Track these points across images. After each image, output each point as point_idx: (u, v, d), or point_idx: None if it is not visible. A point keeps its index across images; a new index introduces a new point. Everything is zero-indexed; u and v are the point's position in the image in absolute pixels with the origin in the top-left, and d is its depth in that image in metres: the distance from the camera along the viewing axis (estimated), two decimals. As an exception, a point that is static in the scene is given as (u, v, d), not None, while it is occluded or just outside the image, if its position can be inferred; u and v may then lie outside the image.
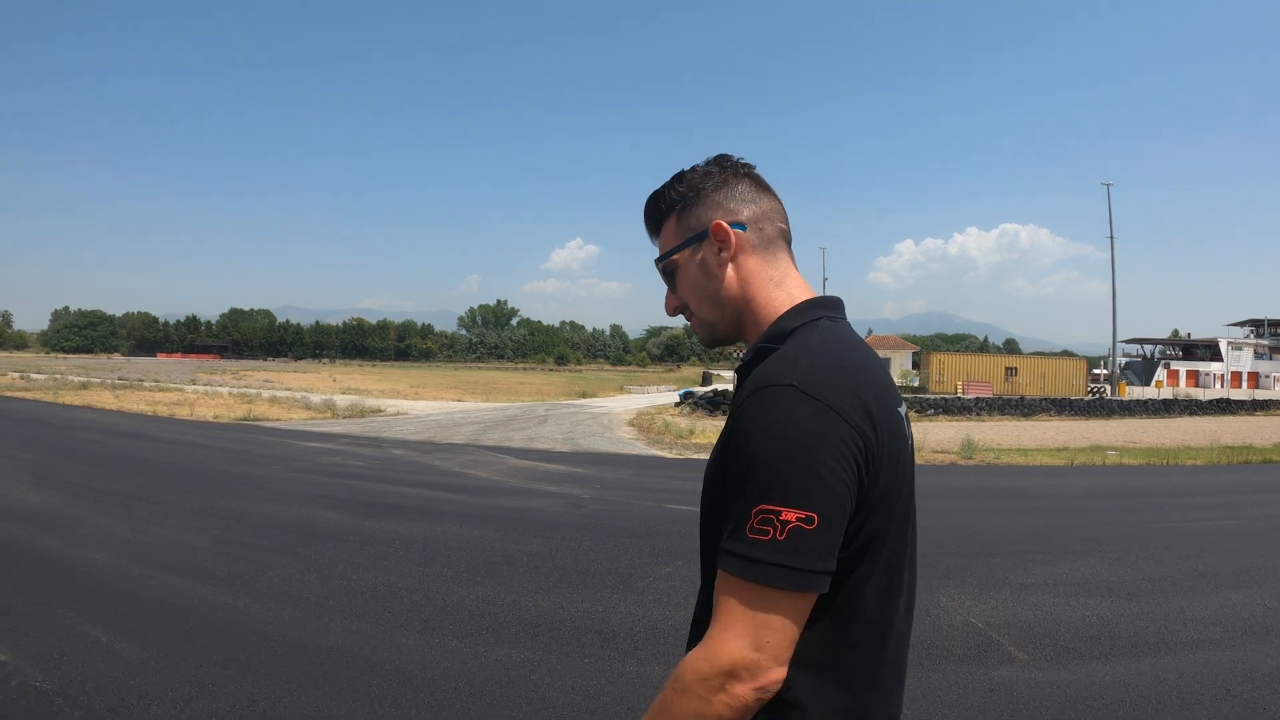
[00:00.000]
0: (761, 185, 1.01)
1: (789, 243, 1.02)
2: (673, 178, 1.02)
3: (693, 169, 1.01)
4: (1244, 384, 43.47)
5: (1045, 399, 29.80)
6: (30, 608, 3.82)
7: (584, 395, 32.69)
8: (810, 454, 0.78)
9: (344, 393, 26.83)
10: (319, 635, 3.51)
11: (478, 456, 10.66)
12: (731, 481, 0.83)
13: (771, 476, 0.78)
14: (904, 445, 0.89)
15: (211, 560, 4.76)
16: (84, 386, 25.06)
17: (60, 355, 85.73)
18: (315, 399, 21.72)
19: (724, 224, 0.96)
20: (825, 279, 53.25)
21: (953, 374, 39.95)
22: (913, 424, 19.81)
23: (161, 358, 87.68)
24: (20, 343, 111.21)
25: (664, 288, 1.07)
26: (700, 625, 0.93)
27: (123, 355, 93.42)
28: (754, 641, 0.78)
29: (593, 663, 3.31)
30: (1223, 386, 42.04)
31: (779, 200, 1.03)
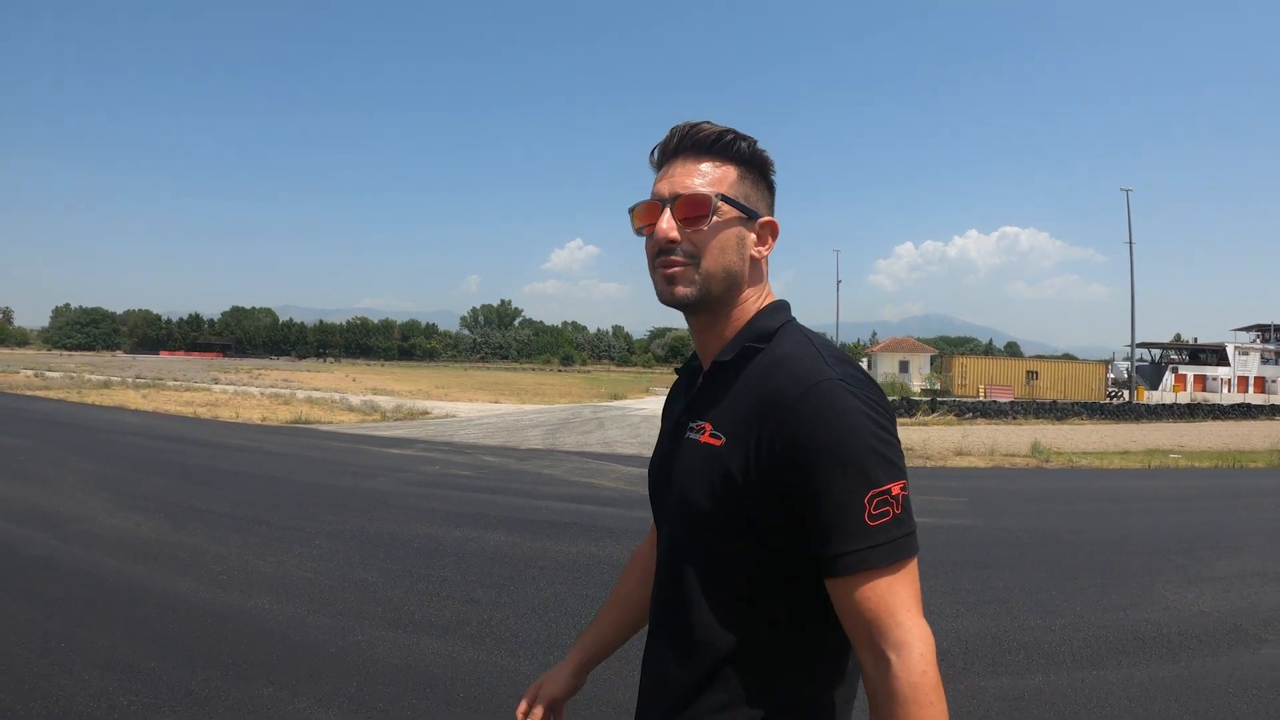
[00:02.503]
0: None
1: None
2: (751, 138, 0.98)
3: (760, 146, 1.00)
4: (1250, 388, 43.76)
5: (1075, 403, 29.95)
6: (222, 688, 2.91)
7: (615, 397, 32.52)
8: (886, 430, 0.84)
9: (373, 393, 26.60)
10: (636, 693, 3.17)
11: (578, 463, 10.45)
12: (802, 482, 0.83)
13: (870, 460, 0.81)
14: None
15: (408, 601, 4.05)
16: (105, 385, 24.64)
17: (63, 352, 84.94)
18: (354, 400, 21.50)
19: (778, 227, 1.00)
20: (839, 280, 53.11)
21: (974, 377, 40.13)
22: (956, 426, 19.57)
23: (165, 355, 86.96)
24: (21, 340, 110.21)
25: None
26: (679, 625, 0.94)
27: (125, 353, 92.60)
28: (921, 611, 0.82)
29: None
30: (1231, 391, 42.32)
31: None
